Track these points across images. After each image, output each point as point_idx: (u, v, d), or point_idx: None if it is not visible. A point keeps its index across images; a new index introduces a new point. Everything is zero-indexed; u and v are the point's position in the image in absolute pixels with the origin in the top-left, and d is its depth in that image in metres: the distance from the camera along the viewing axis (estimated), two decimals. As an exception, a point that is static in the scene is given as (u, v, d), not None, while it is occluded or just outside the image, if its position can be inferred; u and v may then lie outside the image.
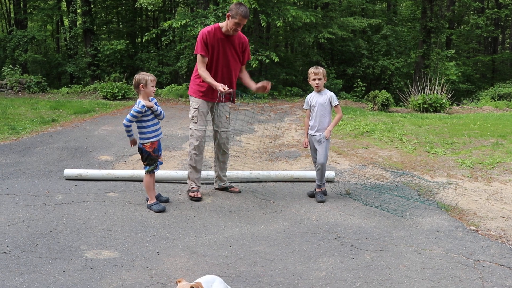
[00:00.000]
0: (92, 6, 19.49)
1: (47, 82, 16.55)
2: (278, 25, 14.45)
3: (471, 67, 23.76)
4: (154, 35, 15.62)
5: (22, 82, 15.38)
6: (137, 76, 4.03)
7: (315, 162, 4.53)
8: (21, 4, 21.71)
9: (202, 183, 4.94)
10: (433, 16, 18.62)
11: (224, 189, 4.76)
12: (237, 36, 4.43)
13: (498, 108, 13.30)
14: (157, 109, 4.12)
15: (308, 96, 4.58)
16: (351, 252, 3.27)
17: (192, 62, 15.25)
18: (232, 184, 4.85)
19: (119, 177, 4.99)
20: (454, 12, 22.25)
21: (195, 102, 4.44)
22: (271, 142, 7.28)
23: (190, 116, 4.48)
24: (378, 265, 3.06)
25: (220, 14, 13.67)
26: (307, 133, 4.58)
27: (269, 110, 11.26)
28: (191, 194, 4.40)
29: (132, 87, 13.74)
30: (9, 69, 16.12)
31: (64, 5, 22.36)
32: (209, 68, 4.33)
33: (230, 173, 4.99)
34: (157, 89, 12.90)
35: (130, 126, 4.03)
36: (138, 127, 4.08)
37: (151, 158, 4.10)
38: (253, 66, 13.59)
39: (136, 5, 16.68)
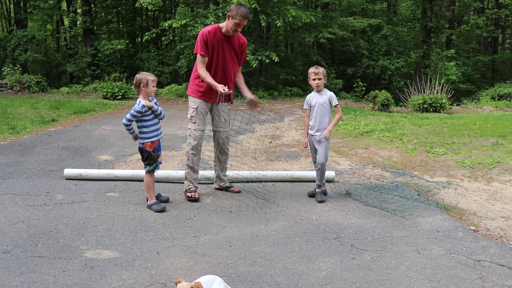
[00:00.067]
0: (92, 5, 19.49)
1: (47, 82, 16.55)
2: (278, 25, 14.45)
3: (471, 67, 23.75)
4: (154, 35, 15.62)
5: (22, 82, 15.38)
6: (138, 76, 4.03)
7: (315, 162, 4.53)
8: (21, 4, 21.70)
9: (202, 183, 4.94)
10: (433, 16, 18.62)
11: (224, 189, 4.76)
12: (236, 37, 4.43)
13: (498, 108, 13.30)
14: (157, 109, 4.12)
15: (308, 96, 4.58)
16: (351, 252, 3.27)
17: (192, 62, 15.24)
18: (232, 184, 4.86)
19: (119, 177, 4.99)
20: (454, 12, 22.25)
21: (194, 102, 4.44)
22: (270, 142, 7.28)
23: (188, 116, 4.48)
24: (378, 265, 3.06)
25: (220, 14, 13.66)
26: (307, 133, 4.58)
27: (268, 110, 11.26)
28: (189, 194, 4.39)
29: (132, 87, 13.82)
30: (9, 69, 16.12)
31: (64, 5, 22.36)
32: (208, 68, 4.33)
33: (230, 173, 4.99)
34: (157, 89, 12.92)
35: (130, 125, 4.04)
36: (139, 127, 4.08)
37: (151, 158, 4.10)
38: (253, 66, 13.59)
39: (136, 5, 16.67)
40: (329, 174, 5.00)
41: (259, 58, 13.92)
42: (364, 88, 16.75)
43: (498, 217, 4.05)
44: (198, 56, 4.30)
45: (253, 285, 2.78)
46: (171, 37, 16.54)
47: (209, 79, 4.22)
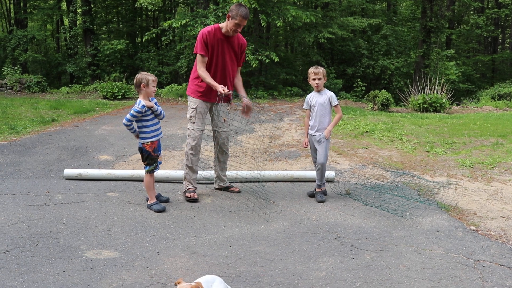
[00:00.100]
0: (92, 5, 19.49)
1: (47, 82, 16.55)
2: (278, 25, 14.45)
3: (471, 67, 23.75)
4: (154, 35, 15.61)
5: (22, 82, 15.38)
6: (138, 76, 4.03)
7: (315, 162, 4.53)
8: (21, 4, 21.70)
9: (203, 183, 4.95)
10: (433, 16, 18.62)
11: (224, 189, 4.76)
12: (236, 38, 4.43)
13: (498, 108, 13.30)
14: (157, 109, 4.12)
15: (308, 96, 4.58)
16: (351, 252, 3.27)
17: (192, 62, 15.23)
18: (232, 184, 4.86)
19: (119, 177, 4.99)
20: (454, 11, 22.25)
21: (193, 102, 4.44)
22: (270, 142, 7.28)
23: (188, 116, 4.47)
24: (378, 265, 3.06)
25: (220, 14, 13.66)
26: (307, 133, 4.58)
27: (268, 110, 11.26)
28: (188, 195, 4.38)
29: (132, 87, 13.82)
30: (9, 69, 16.12)
31: (64, 5, 22.36)
32: (207, 68, 4.33)
33: (230, 173, 4.99)
34: (157, 89, 12.93)
35: (130, 125, 4.04)
36: (139, 127, 4.08)
37: (151, 158, 4.10)
38: (253, 66, 13.59)
39: (136, 5, 16.67)
40: (329, 174, 5.00)
41: (259, 58, 13.92)
42: (364, 88, 16.75)
43: (498, 217, 4.05)
44: (198, 56, 4.30)
45: (253, 285, 2.78)
46: (171, 37, 16.55)
47: (208, 79, 4.22)
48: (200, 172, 4.93)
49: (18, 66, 17.08)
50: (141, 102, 3.99)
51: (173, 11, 22.20)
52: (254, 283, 2.81)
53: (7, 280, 2.78)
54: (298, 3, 18.62)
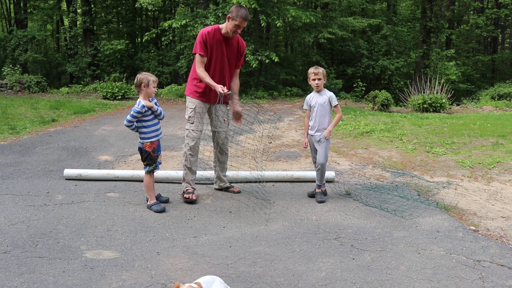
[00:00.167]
0: (92, 6, 19.49)
1: (47, 82, 16.56)
2: (278, 25, 14.45)
3: (471, 67, 23.76)
4: (154, 35, 15.62)
5: (22, 82, 15.38)
6: (139, 76, 4.03)
7: (315, 162, 4.53)
8: (21, 4, 21.71)
9: (202, 183, 4.94)
10: (433, 16, 18.62)
11: (224, 189, 4.75)
12: (236, 40, 4.42)
13: (498, 108, 13.30)
14: (157, 109, 4.11)
15: (308, 96, 4.58)
16: (351, 252, 3.27)
17: (192, 62, 15.24)
18: (232, 184, 4.85)
19: (119, 177, 4.99)
20: (454, 12, 22.26)
21: (191, 103, 4.43)
22: (270, 142, 7.28)
23: (186, 116, 4.46)
24: (378, 266, 3.06)
25: (220, 14, 13.66)
26: (307, 133, 4.58)
27: (268, 110, 11.26)
28: (186, 196, 4.36)
29: (132, 87, 13.83)
30: (9, 69, 16.13)
31: (64, 5, 22.37)
32: (206, 68, 4.31)
33: (230, 173, 4.99)
34: (157, 90, 12.94)
35: (131, 125, 4.04)
36: (138, 127, 4.08)
37: (150, 158, 4.10)
38: (253, 66, 13.59)
39: (136, 5, 16.67)
40: (329, 174, 5.00)
41: (259, 58, 13.92)
42: (364, 88, 16.75)
43: (498, 217, 4.05)
44: (197, 56, 4.29)
45: (253, 286, 2.78)
46: (171, 37, 16.54)
47: (207, 79, 4.21)
48: (201, 173, 4.93)
49: (18, 66, 17.08)
50: (141, 102, 3.99)
51: (173, 11, 22.20)
52: (254, 283, 2.81)
53: (7, 280, 2.78)
54: (298, 3, 18.62)
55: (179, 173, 4.96)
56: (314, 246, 3.37)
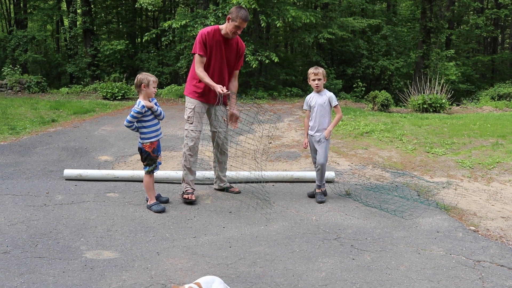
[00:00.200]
0: (92, 6, 19.50)
1: (47, 82, 16.56)
2: (278, 25, 14.45)
3: (471, 67, 23.77)
4: (154, 35, 15.62)
5: (22, 82, 15.39)
6: (139, 76, 4.03)
7: (315, 163, 4.53)
8: (21, 4, 21.72)
9: (202, 184, 4.94)
10: (432, 16, 18.62)
11: (224, 189, 4.75)
12: (235, 41, 4.42)
13: (498, 108, 13.31)
14: (157, 109, 4.11)
15: (308, 97, 4.58)
16: (351, 252, 3.27)
17: (191, 62, 15.26)
18: (231, 184, 4.85)
19: (119, 178, 4.99)
20: (454, 12, 22.27)
21: (191, 103, 4.42)
22: (270, 143, 7.28)
23: (185, 116, 4.45)
24: (378, 266, 3.06)
25: (220, 15, 13.66)
26: (307, 133, 4.58)
27: (268, 110, 11.26)
28: (185, 196, 4.35)
29: (132, 87, 13.83)
30: (9, 69, 16.13)
31: (64, 5, 22.37)
32: (205, 69, 4.31)
33: (230, 173, 4.99)
34: (157, 90, 12.93)
35: (131, 125, 4.04)
36: (138, 127, 4.08)
37: (150, 158, 4.10)
38: (253, 66, 13.59)
39: (136, 5, 16.68)
40: (329, 174, 5.00)
41: (259, 59, 13.92)
42: (363, 89, 16.76)
43: (498, 217, 4.05)
44: (196, 56, 4.29)
45: (253, 286, 2.78)
46: (171, 38, 16.55)
47: (207, 79, 4.20)
48: (202, 173, 4.93)
49: (18, 66, 17.08)
50: (140, 102, 3.99)
51: (173, 11, 22.20)
52: (254, 283, 2.81)
53: (7, 280, 2.78)
54: (298, 4, 18.62)
55: (179, 174, 4.96)
56: (314, 246, 3.37)
